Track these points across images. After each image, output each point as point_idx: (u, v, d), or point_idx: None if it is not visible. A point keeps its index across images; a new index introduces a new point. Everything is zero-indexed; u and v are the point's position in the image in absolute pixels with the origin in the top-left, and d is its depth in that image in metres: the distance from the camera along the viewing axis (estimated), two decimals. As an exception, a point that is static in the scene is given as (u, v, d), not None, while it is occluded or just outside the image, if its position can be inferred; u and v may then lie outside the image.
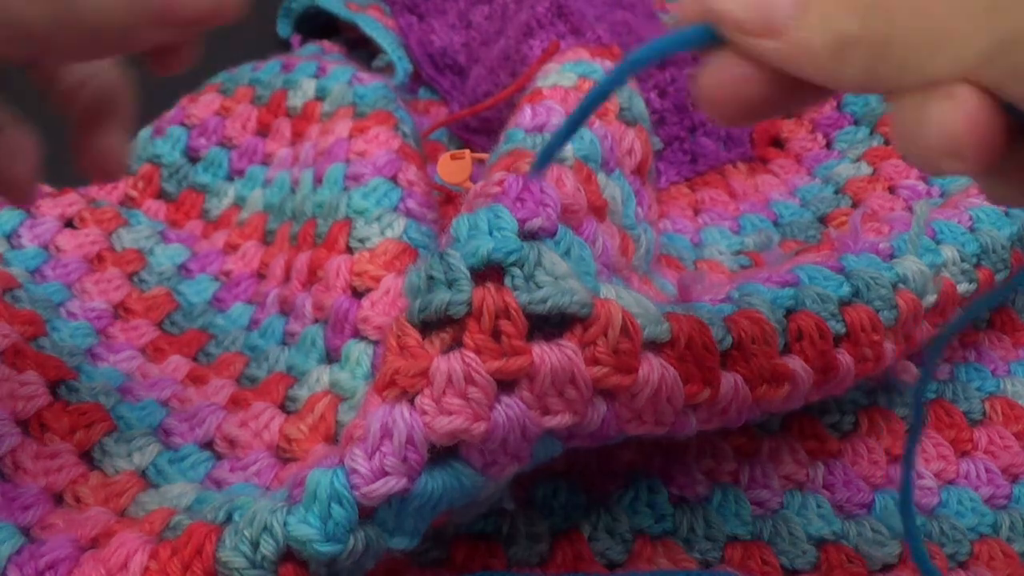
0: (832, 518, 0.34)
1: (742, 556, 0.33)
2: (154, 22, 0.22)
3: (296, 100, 0.53)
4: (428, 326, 0.25)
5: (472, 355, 0.24)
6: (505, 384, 0.25)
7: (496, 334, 0.24)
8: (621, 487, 0.34)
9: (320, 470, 0.24)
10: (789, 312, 0.32)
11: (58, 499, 0.31)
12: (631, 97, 0.37)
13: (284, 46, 0.65)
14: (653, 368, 0.26)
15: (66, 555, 0.24)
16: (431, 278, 0.25)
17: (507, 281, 0.25)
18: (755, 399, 0.30)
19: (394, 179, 0.45)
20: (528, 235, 0.27)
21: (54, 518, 0.27)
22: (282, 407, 0.37)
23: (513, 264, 0.25)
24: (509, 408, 0.24)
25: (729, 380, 0.29)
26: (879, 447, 0.37)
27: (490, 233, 0.26)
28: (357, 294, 0.40)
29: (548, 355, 0.25)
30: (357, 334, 0.39)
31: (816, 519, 0.34)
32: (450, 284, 0.25)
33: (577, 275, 0.27)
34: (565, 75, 0.36)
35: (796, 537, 0.33)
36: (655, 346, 0.27)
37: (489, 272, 0.25)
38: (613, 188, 0.33)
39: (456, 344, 0.24)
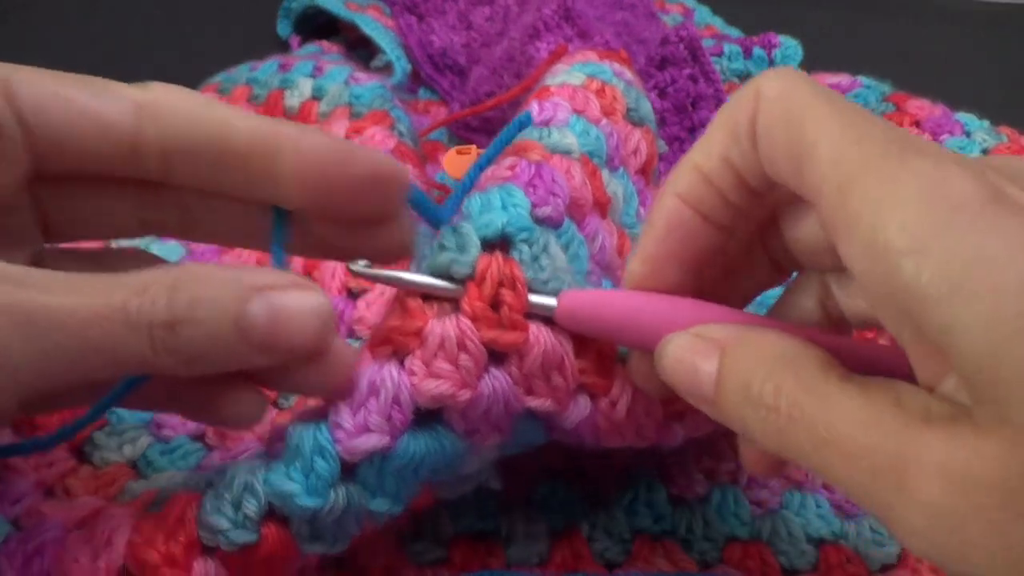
0: (831, 518, 0.34)
1: (741, 556, 0.33)
2: (257, 350, 0.22)
3: (293, 100, 0.53)
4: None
5: (467, 322, 0.24)
6: (496, 356, 0.24)
7: (495, 305, 0.24)
8: (620, 487, 0.34)
9: (302, 424, 0.24)
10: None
11: (48, 492, 0.31)
12: (638, 98, 0.37)
13: (283, 46, 0.65)
14: (627, 381, 0.27)
15: (53, 537, 0.23)
16: (442, 247, 0.25)
17: (514, 254, 0.25)
18: None
19: (392, 179, 0.45)
20: (538, 221, 0.27)
21: (42, 507, 0.27)
22: (275, 404, 0.37)
23: (523, 241, 0.25)
24: (496, 380, 0.24)
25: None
26: (878, 447, 0.37)
27: (504, 208, 0.26)
28: (352, 295, 0.40)
29: (543, 336, 0.25)
30: (352, 335, 0.39)
31: (815, 519, 0.34)
32: (460, 249, 0.25)
33: (571, 272, 0.27)
34: (574, 74, 0.36)
35: (795, 537, 0.33)
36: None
37: (499, 244, 0.25)
38: (616, 186, 0.33)
39: (455, 310, 0.24)
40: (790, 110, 0.21)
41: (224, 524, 0.23)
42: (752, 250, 0.26)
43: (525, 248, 0.25)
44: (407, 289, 0.25)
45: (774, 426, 0.20)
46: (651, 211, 0.25)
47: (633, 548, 0.33)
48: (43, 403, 0.26)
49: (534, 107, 0.32)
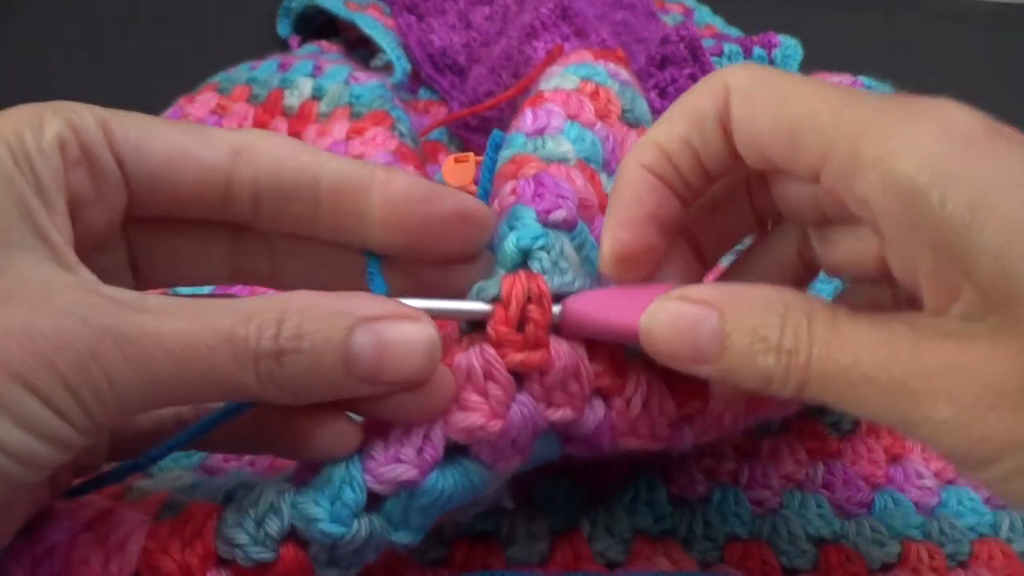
0: (832, 518, 0.34)
1: (741, 556, 0.33)
2: (362, 382, 0.22)
3: (293, 99, 0.53)
4: (472, 325, 0.25)
5: (491, 350, 0.24)
6: (517, 376, 0.25)
7: (522, 323, 0.24)
8: (621, 486, 0.34)
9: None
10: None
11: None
12: (633, 99, 0.37)
13: (283, 46, 0.65)
14: (641, 375, 0.27)
15: (63, 539, 0.23)
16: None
17: (534, 265, 0.25)
18: (749, 408, 0.30)
19: (393, 179, 0.45)
20: (551, 226, 0.27)
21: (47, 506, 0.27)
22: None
23: (541, 248, 0.25)
24: (524, 406, 0.25)
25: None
26: (879, 447, 0.37)
27: (512, 229, 0.26)
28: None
29: (562, 349, 0.25)
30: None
31: (816, 519, 0.34)
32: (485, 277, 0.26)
33: (585, 275, 0.27)
34: (568, 78, 0.36)
35: (796, 537, 0.33)
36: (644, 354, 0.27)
37: (521, 262, 0.26)
38: (614, 188, 0.33)
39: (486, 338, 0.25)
40: (773, 92, 0.22)
41: (244, 539, 0.23)
42: (737, 200, 0.28)
43: (544, 256, 0.25)
44: (442, 319, 0.25)
45: (795, 367, 0.21)
46: (617, 181, 0.25)
47: (633, 547, 0.32)
48: (135, 442, 0.27)
49: (528, 115, 0.32)
